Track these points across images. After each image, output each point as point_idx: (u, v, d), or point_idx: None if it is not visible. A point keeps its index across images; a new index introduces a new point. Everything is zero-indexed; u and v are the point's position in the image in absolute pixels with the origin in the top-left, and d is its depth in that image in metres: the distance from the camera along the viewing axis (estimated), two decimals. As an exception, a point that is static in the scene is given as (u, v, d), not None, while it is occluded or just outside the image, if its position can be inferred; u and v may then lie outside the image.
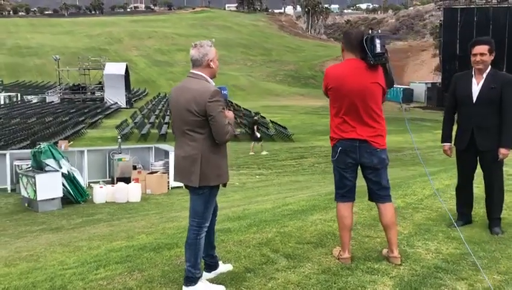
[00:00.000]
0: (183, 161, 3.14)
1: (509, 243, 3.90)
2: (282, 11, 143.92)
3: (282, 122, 29.60)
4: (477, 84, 4.12)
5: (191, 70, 3.17)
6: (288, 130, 24.03)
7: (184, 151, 3.14)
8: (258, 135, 19.43)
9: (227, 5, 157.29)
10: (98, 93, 41.00)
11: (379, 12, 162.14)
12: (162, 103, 42.98)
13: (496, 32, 47.25)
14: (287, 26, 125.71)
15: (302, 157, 17.90)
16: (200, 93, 3.00)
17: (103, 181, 11.87)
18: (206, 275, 3.38)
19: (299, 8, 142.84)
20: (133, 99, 44.14)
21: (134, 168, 12.44)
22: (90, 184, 11.87)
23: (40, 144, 11.14)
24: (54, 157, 9.86)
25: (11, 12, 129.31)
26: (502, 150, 4.06)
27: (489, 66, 4.11)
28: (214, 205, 3.34)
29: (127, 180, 11.62)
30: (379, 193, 3.55)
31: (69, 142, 13.33)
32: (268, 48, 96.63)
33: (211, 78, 3.16)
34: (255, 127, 19.57)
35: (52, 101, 38.75)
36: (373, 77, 3.39)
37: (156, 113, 32.18)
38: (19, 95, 41.06)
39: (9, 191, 11.52)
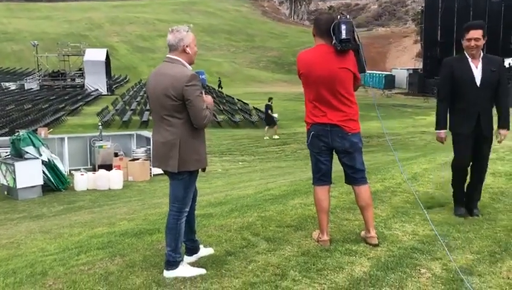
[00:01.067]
0: (162, 147, 3.13)
1: (483, 224, 4.02)
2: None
3: (266, 108, 29.65)
4: (476, 68, 4.05)
5: (167, 55, 3.16)
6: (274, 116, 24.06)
7: (162, 137, 3.13)
8: (276, 115, 19.23)
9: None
10: (78, 80, 40.35)
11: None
12: (144, 89, 42.57)
13: (476, 19, 47.64)
14: (270, 12, 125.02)
15: (284, 144, 17.98)
16: (177, 78, 2.99)
17: (84, 169, 11.79)
18: (187, 258, 3.42)
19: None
20: (114, 86, 43.58)
21: (116, 155, 12.37)
22: (71, 172, 11.77)
23: (19, 132, 10.98)
24: (34, 145, 9.74)
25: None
26: (503, 131, 4.13)
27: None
28: (194, 190, 3.36)
29: (108, 167, 11.56)
30: (354, 175, 3.62)
31: (48, 129, 13.15)
32: (252, 34, 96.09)
33: (189, 64, 3.14)
34: (269, 111, 19.34)
35: (31, 88, 38.02)
36: (342, 62, 3.43)
37: (137, 100, 31.87)
38: (-4, 81, 40.26)
39: (-11, 179, 11.35)
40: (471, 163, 4.27)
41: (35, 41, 41.70)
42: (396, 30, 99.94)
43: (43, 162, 9.81)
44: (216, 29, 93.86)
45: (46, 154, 9.91)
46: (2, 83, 39.54)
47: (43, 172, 9.84)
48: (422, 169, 6.41)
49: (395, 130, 22.56)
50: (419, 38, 63.28)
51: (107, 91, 38.20)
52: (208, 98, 3.19)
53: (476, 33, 4.01)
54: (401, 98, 44.50)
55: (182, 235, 3.26)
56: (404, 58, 75.02)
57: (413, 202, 4.77)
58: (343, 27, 3.34)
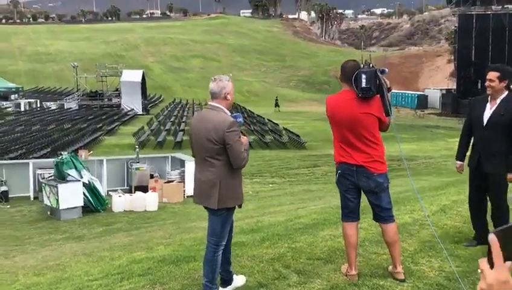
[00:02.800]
0: (203, 185, 3.47)
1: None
2: (296, 16, 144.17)
3: (296, 128, 29.81)
4: (490, 108, 4.28)
5: (210, 103, 3.53)
6: (302, 137, 24.25)
7: (204, 176, 3.46)
8: None
9: (241, 11, 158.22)
10: (115, 100, 41.72)
11: (393, 17, 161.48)
12: (178, 108, 43.52)
13: (511, 39, 46.95)
14: (301, 31, 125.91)
15: (315, 166, 18.10)
16: (219, 124, 3.34)
17: (121, 189, 12.25)
18: (221, 290, 3.67)
19: (313, 14, 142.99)
20: (149, 106, 44.79)
21: (152, 177, 12.81)
22: (109, 192, 12.26)
23: (61, 154, 11.58)
24: (76, 168, 10.25)
25: (30, 19, 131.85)
26: (510, 175, 4.23)
27: (506, 92, 4.24)
28: (231, 224, 3.63)
29: (144, 188, 11.98)
30: (380, 214, 3.79)
31: (88, 151, 13.74)
32: (283, 53, 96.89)
33: (227, 109, 3.50)
34: None
35: (71, 108, 39.56)
36: (365, 107, 3.63)
37: (171, 120, 32.67)
38: (38, 101, 41.96)
39: (32, 199, 11.97)
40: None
41: (75, 63, 43.49)
42: (429, 49, 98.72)
43: (83, 184, 10.30)
44: (248, 49, 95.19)
45: (86, 177, 10.41)
46: (43, 103, 41.28)
47: (84, 193, 10.31)
48: (451, 201, 6.48)
49: (427, 152, 22.36)
50: (452, 57, 62.41)
51: (143, 111, 39.33)
52: (244, 139, 3.52)
53: (491, 75, 4.23)
54: (434, 119, 43.94)
55: (218, 267, 3.52)
56: (438, 77, 73.95)
57: (441, 236, 4.88)
58: (363, 76, 3.57)
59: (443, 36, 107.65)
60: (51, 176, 10.87)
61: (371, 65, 3.75)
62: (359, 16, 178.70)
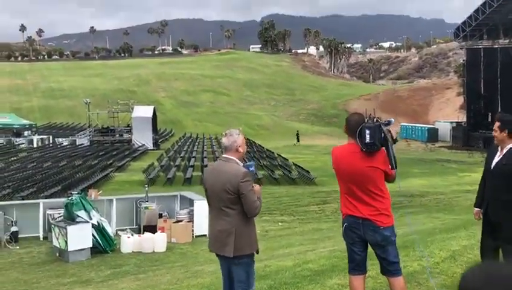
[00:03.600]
0: (219, 234, 3.65)
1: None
2: (305, 51, 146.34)
3: (306, 163, 29.76)
4: (498, 157, 4.32)
5: (223, 155, 3.79)
6: (311, 173, 24.19)
7: (220, 225, 3.65)
8: None
9: (251, 46, 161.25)
10: (126, 136, 42.22)
11: (402, 50, 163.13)
12: (188, 143, 43.81)
13: (521, 72, 47.02)
14: (310, 66, 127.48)
15: (325, 203, 17.98)
16: (234, 175, 3.57)
17: (130, 229, 12.25)
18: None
19: (321, 48, 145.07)
20: (159, 141, 45.19)
21: (160, 216, 12.81)
22: (118, 232, 12.26)
23: (71, 194, 11.68)
24: (85, 209, 10.31)
25: (45, 56, 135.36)
26: None
27: None
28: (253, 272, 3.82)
29: (153, 228, 11.96)
30: (388, 267, 3.77)
31: (98, 191, 13.83)
32: (292, 87, 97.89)
33: (240, 160, 3.71)
34: None
35: (82, 144, 40.06)
36: (370, 161, 3.66)
37: (181, 155, 32.86)
38: (50, 137, 42.59)
39: (41, 239, 11.99)
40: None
41: (88, 99, 44.33)
42: (439, 82, 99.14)
43: (92, 225, 10.33)
44: (257, 83, 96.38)
45: (96, 218, 10.45)
46: (56, 139, 41.88)
47: (92, 235, 10.33)
48: (461, 246, 6.39)
49: (438, 188, 22.13)
50: (462, 90, 62.52)
51: (153, 146, 39.69)
52: (257, 187, 3.71)
53: (495, 124, 4.32)
54: (445, 152, 43.65)
55: None
56: (447, 110, 73.91)
57: (451, 286, 4.80)
58: (367, 132, 3.62)
59: (452, 69, 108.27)
60: (60, 217, 10.93)
61: (375, 119, 3.79)
62: (367, 50, 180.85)
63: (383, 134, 3.71)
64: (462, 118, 51.54)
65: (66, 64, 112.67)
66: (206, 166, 23.21)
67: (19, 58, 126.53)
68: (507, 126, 4.30)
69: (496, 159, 4.35)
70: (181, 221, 12.33)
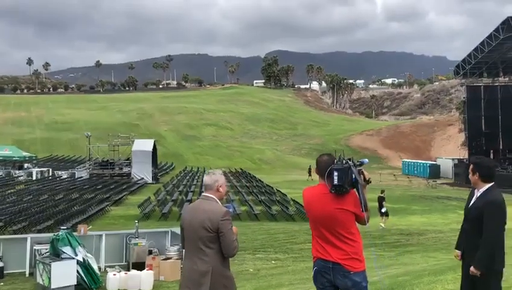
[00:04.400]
0: (195, 274, 3.57)
1: None
2: (308, 86, 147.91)
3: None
4: (473, 200, 4.29)
5: (204, 194, 3.78)
6: (309, 209, 23.92)
7: (196, 264, 3.58)
8: (384, 209, 20.55)
9: (255, 82, 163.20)
10: (125, 169, 42.18)
11: (404, 87, 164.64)
12: (187, 177, 43.66)
13: (521, 109, 47.20)
14: (312, 101, 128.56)
15: (320, 241, 17.66)
16: (214, 213, 3.56)
17: (119, 266, 12.00)
18: None
19: (324, 84, 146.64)
20: (159, 174, 45.07)
21: (150, 252, 12.56)
22: (107, 268, 12.01)
23: (60, 229, 11.50)
24: (71, 245, 10.12)
25: (51, 89, 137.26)
26: (471, 268, 4.07)
27: (490, 184, 4.23)
28: None
29: (142, 265, 11.71)
30: None
31: (88, 226, 13.65)
32: (294, 122, 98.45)
33: (220, 200, 3.71)
34: (383, 203, 20.81)
35: (81, 177, 39.99)
36: (340, 203, 3.56)
37: (179, 189, 32.67)
38: (50, 170, 42.59)
39: (27, 275, 11.73)
40: None
41: (89, 133, 44.59)
42: (441, 118, 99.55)
43: (78, 261, 10.11)
44: (260, 117, 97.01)
45: (81, 254, 10.23)
46: (55, 172, 41.87)
47: (77, 272, 10.09)
48: (446, 290, 6.17)
49: (437, 226, 21.81)
50: (463, 127, 62.57)
51: (152, 179, 39.57)
52: (234, 228, 3.65)
53: (470, 167, 4.30)
54: (446, 189, 43.27)
55: None
56: (450, 146, 73.85)
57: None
58: (336, 173, 3.53)
59: (454, 106, 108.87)
60: (46, 252, 10.71)
61: (344, 161, 3.70)
62: (370, 86, 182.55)
63: (353, 175, 3.61)
64: (464, 154, 51.37)
65: (71, 97, 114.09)
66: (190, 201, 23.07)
67: (25, 91, 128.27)
68: (477, 169, 4.26)
69: (471, 202, 4.31)
70: (170, 258, 12.08)
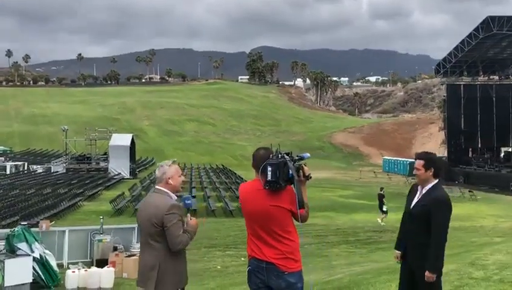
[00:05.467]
0: (144, 267, 3.58)
1: None
2: (292, 83, 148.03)
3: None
4: (417, 197, 4.10)
5: (155, 186, 3.73)
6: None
7: (144, 259, 3.61)
8: (385, 208, 20.95)
9: (240, 77, 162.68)
10: (102, 164, 41.54)
11: (388, 85, 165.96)
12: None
13: (499, 108, 47.83)
14: (296, 97, 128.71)
15: (294, 237, 17.49)
16: (159, 207, 3.49)
17: (82, 262, 11.64)
18: None
19: (308, 81, 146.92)
20: (138, 169, 44.51)
21: (115, 249, 12.22)
22: (69, 265, 11.65)
23: (23, 224, 11.09)
24: (27, 241, 9.72)
25: (31, 82, 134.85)
26: (427, 273, 3.86)
27: (435, 181, 4.06)
28: None
29: (107, 261, 11.39)
30: None
31: (50, 221, 13.26)
32: (278, 118, 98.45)
33: (173, 192, 3.63)
34: (383, 200, 21.29)
35: (57, 171, 39.25)
36: (274, 199, 3.34)
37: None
38: (25, 164, 41.74)
39: (-15, 273, 11.31)
40: None
41: (65, 126, 43.78)
42: (422, 116, 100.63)
43: (34, 258, 9.73)
44: (243, 114, 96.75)
45: (38, 251, 9.85)
46: (30, 166, 41.04)
47: (34, 269, 9.71)
48: None
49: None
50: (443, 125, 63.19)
51: (130, 175, 39.02)
52: (192, 222, 3.61)
53: (416, 163, 4.10)
54: (425, 187, 43.58)
55: None
56: (430, 144, 74.48)
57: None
58: (269, 169, 3.31)
59: (436, 104, 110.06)
60: (1, 250, 10.30)
61: (279, 156, 3.46)
62: (354, 84, 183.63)
63: (290, 171, 3.37)
64: (444, 152, 51.87)
65: (51, 90, 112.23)
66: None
67: (4, 84, 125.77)
68: (432, 165, 4.06)
69: (415, 199, 4.11)
70: (134, 255, 11.75)
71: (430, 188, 4.02)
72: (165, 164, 3.72)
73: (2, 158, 41.99)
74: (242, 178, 40.17)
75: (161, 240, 3.47)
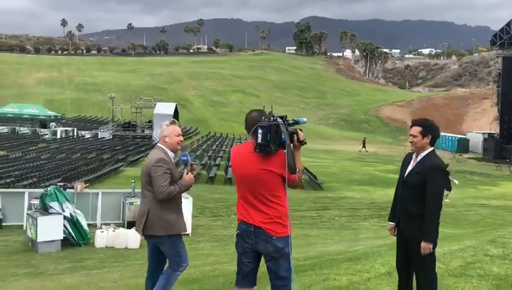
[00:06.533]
0: (138, 214, 4.10)
1: None
2: (340, 54, 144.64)
3: (322, 168, 29.15)
4: (411, 165, 3.96)
5: (157, 144, 4.24)
6: (320, 178, 23.62)
7: (140, 206, 4.21)
8: (454, 183, 19.64)
9: (287, 48, 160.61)
10: (147, 131, 42.67)
11: (442, 58, 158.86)
12: (208, 142, 43.84)
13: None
14: (344, 69, 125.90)
15: (324, 209, 17.43)
16: (150, 160, 4.01)
17: (115, 224, 12.15)
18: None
19: (357, 52, 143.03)
20: (182, 138, 45.33)
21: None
22: (102, 226, 12.19)
23: (55, 185, 11.66)
24: (58, 200, 10.25)
25: (84, 51, 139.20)
26: (422, 244, 3.75)
27: (431, 148, 3.91)
28: (184, 251, 4.10)
29: (136, 224, 11.83)
30: (276, 282, 3.40)
31: (85, 183, 13.84)
32: (324, 90, 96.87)
33: (171, 150, 4.05)
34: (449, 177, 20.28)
35: (104, 137, 40.71)
36: (264, 163, 3.30)
37: (197, 153, 32.88)
38: (75, 130, 43.51)
39: (24, 229, 12.05)
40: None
41: (112, 94, 45.07)
42: (477, 91, 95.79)
43: (65, 217, 10.25)
44: (288, 85, 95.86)
45: (69, 210, 10.37)
46: (79, 132, 42.76)
47: (65, 227, 10.26)
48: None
49: (453, 200, 21.13)
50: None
51: (173, 143, 39.84)
52: (188, 177, 4.01)
53: (413, 130, 3.92)
54: (472, 164, 41.95)
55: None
56: (483, 120, 71.16)
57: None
58: (260, 131, 3.25)
59: (492, 78, 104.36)
60: (37, 208, 10.92)
61: (271, 118, 3.36)
62: (406, 56, 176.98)
63: (282, 135, 3.28)
64: (496, 129, 49.50)
65: (102, 59, 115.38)
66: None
67: (59, 52, 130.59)
68: (430, 132, 3.88)
69: (410, 167, 3.96)
70: (162, 218, 12.15)
71: (425, 156, 3.88)
72: (164, 124, 4.14)
73: (54, 123, 43.91)
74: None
75: (151, 189, 3.91)
